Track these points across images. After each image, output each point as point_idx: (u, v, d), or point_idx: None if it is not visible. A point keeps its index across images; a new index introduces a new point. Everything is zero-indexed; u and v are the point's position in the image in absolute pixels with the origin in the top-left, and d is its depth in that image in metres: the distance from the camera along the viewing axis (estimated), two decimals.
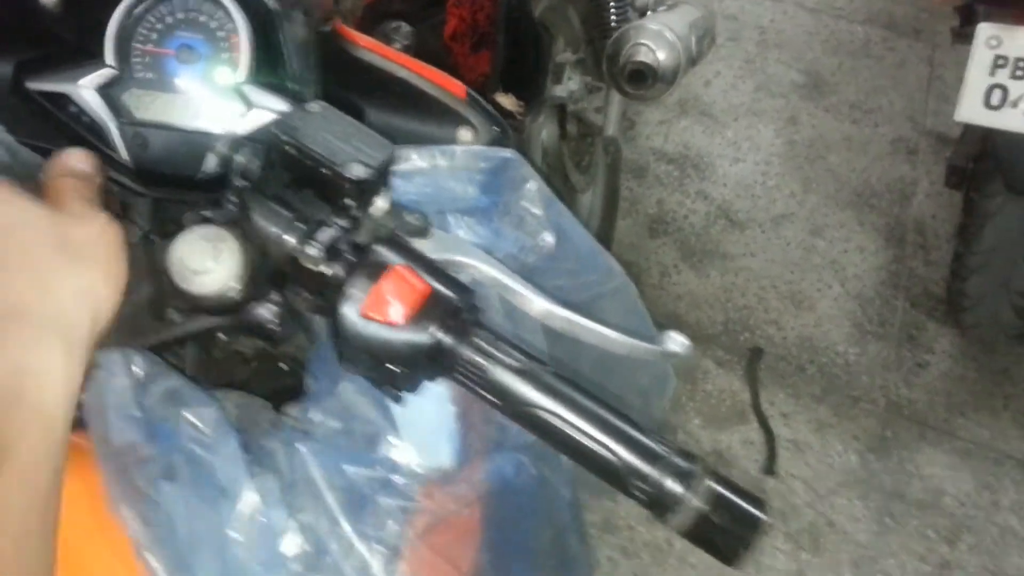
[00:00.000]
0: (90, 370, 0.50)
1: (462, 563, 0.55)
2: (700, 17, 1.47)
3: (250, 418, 0.62)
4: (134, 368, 0.50)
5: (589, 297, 0.76)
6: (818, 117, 2.44)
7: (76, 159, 0.48)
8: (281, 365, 0.77)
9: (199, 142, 0.62)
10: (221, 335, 0.73)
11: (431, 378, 0.46)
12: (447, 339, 0.44)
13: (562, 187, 1.75)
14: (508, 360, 0.44)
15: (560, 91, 1.59)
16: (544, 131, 1.69)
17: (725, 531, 0.42)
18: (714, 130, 2.39)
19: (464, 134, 0.63)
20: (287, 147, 0.47)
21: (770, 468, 1.74)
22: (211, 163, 0.62)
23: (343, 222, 0.47)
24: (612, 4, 1.62)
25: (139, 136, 0.63)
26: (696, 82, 2.50)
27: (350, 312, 0.44)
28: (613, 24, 1.63)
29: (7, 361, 0.36)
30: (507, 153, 0.63)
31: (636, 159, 2.28)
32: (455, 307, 0.44)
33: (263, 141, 0.49)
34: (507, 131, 0.64)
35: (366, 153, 0.48)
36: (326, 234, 0.46)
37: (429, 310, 0.44)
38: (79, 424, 0.55)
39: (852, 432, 1.82)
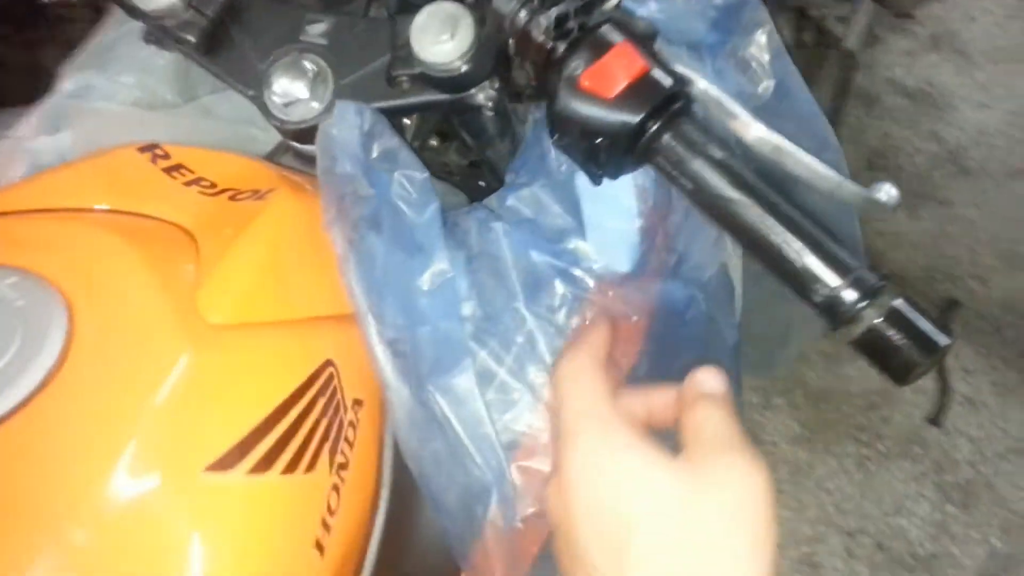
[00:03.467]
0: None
1: (623, 361, 0.58)
2: None
3: (450, 201, 0.67)
4: (362, 118, 0.55)
5: None
6: None
7: (711, 377, 0.43)
8: (480, 183, 0.82)
9: None
10: (433, 142, 0.78)
11: (634, 163, 0.48)
12: (654, 120, 0.45)
13: None
14: (710, 152, 0.45)
15: None
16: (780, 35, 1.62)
17: (898, 349, 0.41)
18: (965, 71, 2.19)
19: None
20: None
21: (937, 419, 1.65)
22: None
23: (576, 2, 0.49)
24: None
25: None
26: (958, 16, 2.28)
27: (568, 84, 0.46)
28: None
29: None
30: None
31: (868, 87, 2.13)
32: (667, 92, 0.46)
33: None
34: None
35: None
36: (557, 10, 0.48)
37: (642, 90, 0.45)
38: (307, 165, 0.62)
39: None
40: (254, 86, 0.60)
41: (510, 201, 0.60)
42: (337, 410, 0.47)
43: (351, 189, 0.53)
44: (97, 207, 0.53)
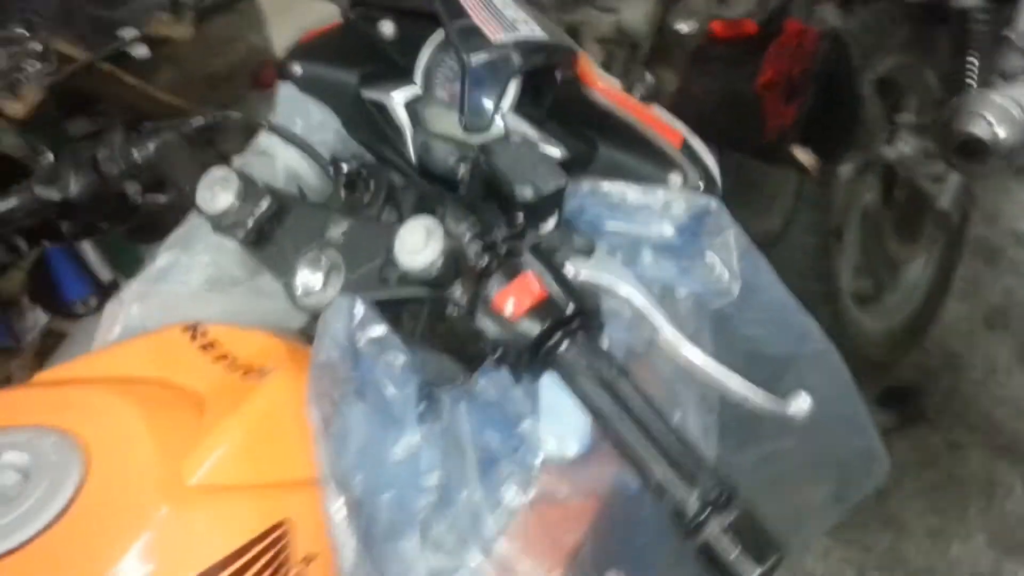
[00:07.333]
0: None
1: (566, 542, 0.64)
2: None
3: (436, 371, 0.76)
4: (355, 311, 0.66)
5: (784, 354, 0.79)
6: None
7: None
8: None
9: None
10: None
11: (538, 370, 0.56)
12: (549, 339, 0.53)
13: (876, 253, 1.67)
14: (597, 367, 0.52)
15: (890, 152, 1.53)
16: (868, 192, 1.63)
17: (728, 563, 0.46)
18: None
19: (675, 178, 0.71)
20: (483, 166, 0.60)
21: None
22: (463, 170, 0.78)
23: (507, 231, 0.58)
24: (976, 66, 1.50)
25: (426, 144, 0.80)
26: None
27: (483, 303, 0.55)
28: (974, 89, 1.52)
29: None
30: (710, 201, 0.69)
31: (991, 239, 2.06)
32: (564, 316, 0.54)
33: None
34: (715, 182, 0.71)
35: (539, 180, 0.59)
36: (488, 237, 0.58)
37: (540, 312, 0.54)
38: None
39: None
40: (285, 274, 0.73)
41: (481, 382, 0.69)
42: (282, 565, 0.56)
43: (334, 373, 0.64)
44: (142, 376, 0.66)
